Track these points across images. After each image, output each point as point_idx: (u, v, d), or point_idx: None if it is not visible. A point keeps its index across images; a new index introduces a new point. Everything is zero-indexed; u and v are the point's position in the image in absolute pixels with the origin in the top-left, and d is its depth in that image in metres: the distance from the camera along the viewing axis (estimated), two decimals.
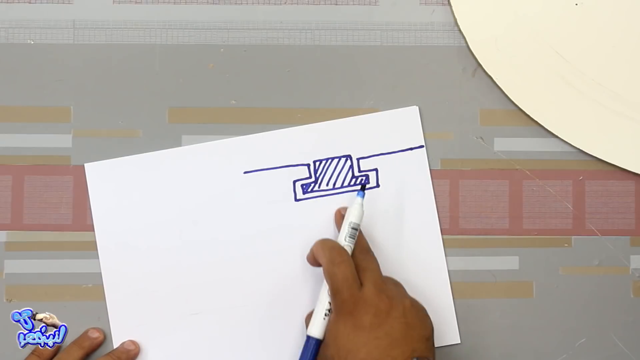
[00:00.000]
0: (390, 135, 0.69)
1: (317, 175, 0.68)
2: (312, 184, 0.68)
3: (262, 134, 0.69)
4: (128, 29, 0.69)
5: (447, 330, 0.68)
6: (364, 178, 0.68)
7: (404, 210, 0.69)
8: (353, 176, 0.69)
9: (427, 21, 0.70)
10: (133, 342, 0.67)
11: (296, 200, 0.68)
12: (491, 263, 0.69)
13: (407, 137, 0.69)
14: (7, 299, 0.68)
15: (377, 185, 0.68)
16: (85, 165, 0.68)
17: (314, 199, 0.68)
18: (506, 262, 0.69)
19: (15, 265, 0.68)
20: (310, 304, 0.67)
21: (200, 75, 0.69)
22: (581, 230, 0.70)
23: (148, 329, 0.67)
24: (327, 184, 0.68)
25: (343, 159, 0.69)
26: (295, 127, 0.69)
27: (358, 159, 0.69)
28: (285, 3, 0.70)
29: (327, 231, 0.68)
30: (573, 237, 0.70)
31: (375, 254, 0.65)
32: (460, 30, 0.70)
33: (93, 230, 0.68)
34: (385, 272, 0.64)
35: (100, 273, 0.68)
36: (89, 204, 0.68)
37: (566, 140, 0.69)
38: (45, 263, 0.68)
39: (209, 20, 0.70)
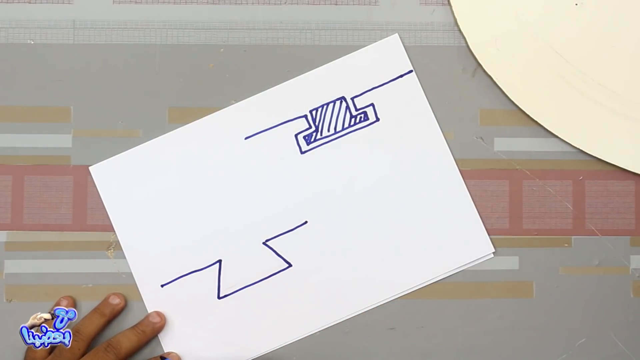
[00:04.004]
0: (378, 68, 0.69)
1: (317, 123, 0.69)
2: (314, 133, 0.69)
3: (254, 96, 0.69)
4: (128, 29, 0.70)
5: (480, 244, 0.69)
6: (362, 116, 0.69)
7: (410, 137, 0.69)
8: (351, 116, 0.69)
9: (427, 21, 0.70)
10: (159, 314, 0.67)
11: (302, 152, 0.69)
12: (491, 263, 0.69)
13: (395, 65, 0.69)
14: (7, 299, 0.68)
15: (377, 119, 0.69)
16: (90, 168, 0.68)
17: (319, 147, 0.69)
18: (506, 262, 0.69)
19: (15, 265, 0.68)
20: (337, 257, 0.68)
21: (200, 75, 0.69)
22: (581, 230, 0.70)
23: (181, 308, 0.68)
24: (328, 130, 0.69)
25: (338, 102, 0.69)
26: (285, 83, 0.69)
27: (352, 98, 0.69)
28: (285, 3, 0.70)
29: (336, 178, 0.69)
30: (573, 237, 0.70)
31: (388, 187, 0.68)
32: (460, 30, 0.70)
33: (93, 231, 0.68)
34: (400, 202, 0.68)
35: (100, 273, 0.68)
36: (90, 204, 0.68)
37: (566, 140, 0.69)
38: (45, 263, 0.68)
39: (209, 20, 0.70)
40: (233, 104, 0.69)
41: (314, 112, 0.69)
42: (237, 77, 0.70)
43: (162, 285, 0.68)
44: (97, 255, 0.68)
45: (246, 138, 0.69)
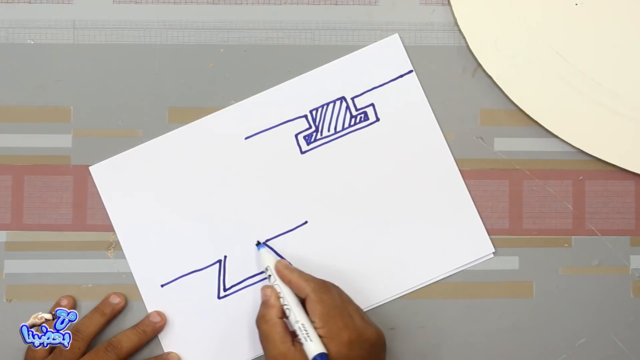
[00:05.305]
0: (378, 68, 0.69)
1: (317, 123, 0.69)
2: (314, 133, 0.69)
3: (254, 96, 0.69)
4: (128, 29, 0.69)
5: (480, 244, 0.69)
6: (362, 116, 0.69)
7: (410, 137, 0.69)
8: (352, 116, 0.69)
9: (427, 21, 0.70)
10: (159, 314, 0.67)
11: (302, 152, 0.69)
12: (491, 263, 0.69)
13: (395, 65, 0.69)
14: (7, 299, 0.68)
15: (377, 119, 0.69)
16: (90, 168, 0.68)
17: (319, 147, 0.69)
18: (506, 262, 0.69)
19: (15, 265, 0.68)
20: (337, 257, 0.68)
21: (200, 75, 0.69)
22: (581, 230, 0.70)
23: (181, 308, 0.68)
24: (329, 130, 0.69)
25: (338, 102, 0.69)
26: (285, 83, 0.69)
27: (352, 98, 0.69)
28: (285, 3, 0.70)
29: (336, 178, 0.69)
30: (573, 237, 0.70)
31: (388, 187, 0.68)
32: (460, 30, 0.70)
33: (93, 231, 0.68)
34: (401, 202, 0.68)
35: (100, 273, 0.68)
36: (90, 204, 0.68)
37: (566, 140, 0.69)
38: (45, 263, 0.68)
39: (209, 20, 0.70)
40: (233, 104, 0.69)
41: (314, 112, 0.69)
42: (237, 77, 0.69)
43: (162, 285, 0.68)
44: (97, 255, 0.68)
45: (246, 138, 0.69)
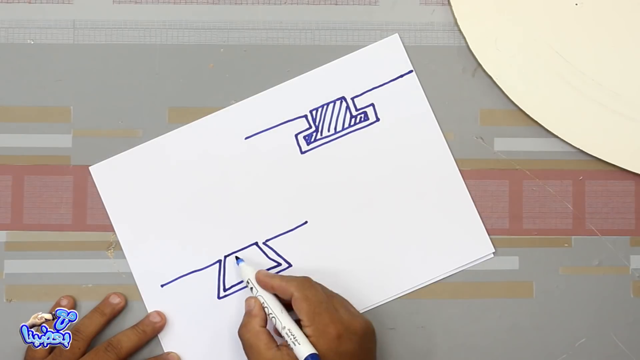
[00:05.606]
0: (378, 68, 0.69)
1: (317, 123, 0.69)
2: (314, 133, 0.69)
3: (254, 96, 0.69)
4: (128, 29, 0.70)
5: (480, 244, 0.69)
6: (362, 116, 0.69)
7: (410, 137, 0.69)
8: (352, 116, 0.69)
9: (427, 21, 0.70)
10: (159, 314, 0.67)
11: (302, 152, 0.69)
12: (491, 263, 0.69)
13: (395, 65, 0.69)
14: (7, 299, 0.68)
15: (377, 119, 0.69)
16: (90, 168, 0.68)
17: (319, 147, 0.69)
18: (506, 262, 0.69)
19: (15, 265, 0.68)
20: (337, 257, 0.68)
21: (200, 75, 0.69)
22: (581, 230, 0.70)
23: (182, 310, 0.68)
24: (328, 130, 0.69)
25: (338, 102, 0.69)
26: (285, 83, 0.69)
27: (352, 98, 0.69)
28: (285, 3, 0.70)
29: (336, 178, 0.69)
30: (573, 237, 0.70)
31: (388, 186, 0.68)
32: (460, 30, 0.70)
33: (93, 231, 0.68)
34: (401, 202, 0.68)
35: (100, 273, 0.68)
36: (90, 204, 0.68)
37: (566, 140, 0.69)
38: (45, 263, 0.68)
39: (209, 20, 0.70)
40: (233, 104, 0.69)
41: (314, 112, 0.69)
42: (237, 77, 0.70)
43: (162, 285, 0.68)
44: (97, 255, 0.68)
45: (246, 138, 0.69)
